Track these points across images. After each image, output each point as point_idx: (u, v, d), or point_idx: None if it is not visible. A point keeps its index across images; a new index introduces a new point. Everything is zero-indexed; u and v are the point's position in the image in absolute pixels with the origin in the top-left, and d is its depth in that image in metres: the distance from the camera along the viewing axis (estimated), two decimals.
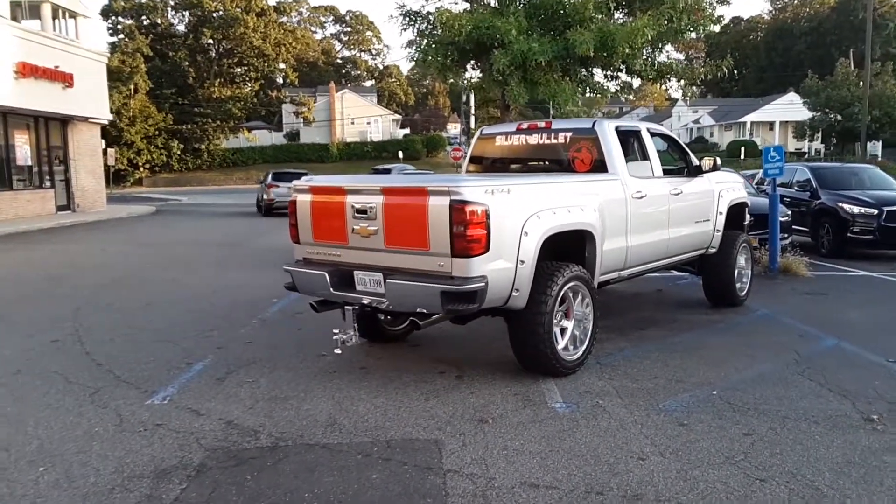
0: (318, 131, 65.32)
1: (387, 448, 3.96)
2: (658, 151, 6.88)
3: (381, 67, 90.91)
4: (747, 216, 8.23)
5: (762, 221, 10.06)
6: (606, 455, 3.85)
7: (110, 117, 27.12)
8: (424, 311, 4.74)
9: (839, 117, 42.85)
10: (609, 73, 10.33)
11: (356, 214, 5.05)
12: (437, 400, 4.76)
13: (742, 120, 65.31)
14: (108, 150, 42.47)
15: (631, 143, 6.72)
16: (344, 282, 5.21)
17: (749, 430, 4.18)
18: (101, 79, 25.64)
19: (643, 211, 6.24)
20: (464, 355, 5.95)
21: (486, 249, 4.62)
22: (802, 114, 47.92)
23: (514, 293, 4.87)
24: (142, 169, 53.53)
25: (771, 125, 64.22)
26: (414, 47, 10.19)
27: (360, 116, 66.71)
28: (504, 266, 4.76)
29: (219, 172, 57.43)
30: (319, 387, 5.08)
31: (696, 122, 74.04)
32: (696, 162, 7.25)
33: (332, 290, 5.19)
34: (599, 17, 9.35)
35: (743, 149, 52.35)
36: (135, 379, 5.33)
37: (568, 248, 5.57)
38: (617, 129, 6.29)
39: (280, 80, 70.35)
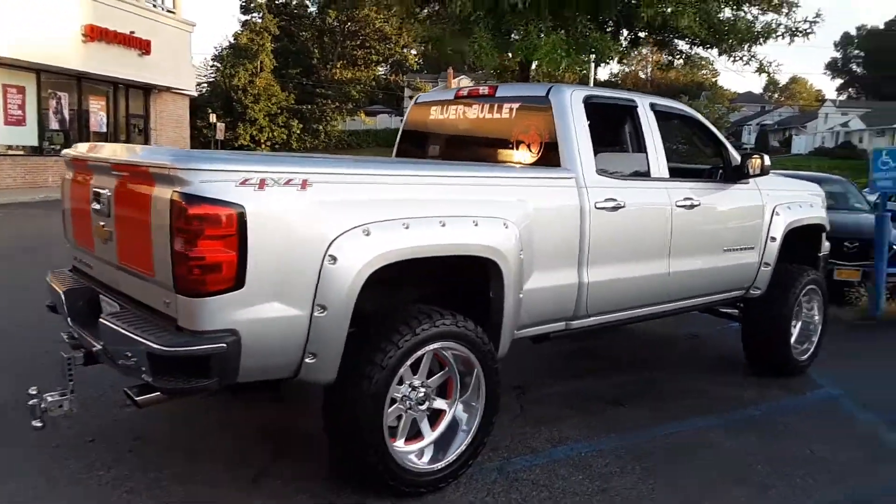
0: None
1: None
2: (669, 141, 4.58)
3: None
4: (825, 243, 5.66)
5: (868, 248, 7.41)
6: None
7: (194, 89, 26.77)
8: (148, 379, 2.80)
9: None
10: (649, 35, 7.75)
11: (94, 204, 3.20)
12: None
13: None
14: (218, 124, 43.43)
15: (619, 124, 4.46)
16: (88, 310, 3.38)
17: None
18: (184, 49, 25.24)
19: (618, 230, 3.99)
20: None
21: (237, 283, 2.63)
22: None
23: (306, 359, 2.86)
24: (263, 146, 54.63)
25: None
26: None
27: None
28: (281, 313, 2.74)
29: (334, 153, 57.78)
30: (15, 475, 3.29)
31: (845, 125, 66.43)
32: (736, 160, 4.84)
33: (68, 319, 3.38)
34: None
35: None
36: None
37: (460, 284, 3.50)
38: (588, 101, 4.04)
39: (406, 64, 69.69)
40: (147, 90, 23.93)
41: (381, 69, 63.96)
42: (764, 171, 4.69)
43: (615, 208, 3.94)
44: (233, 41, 54.78)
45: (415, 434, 3.29)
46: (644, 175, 4.28)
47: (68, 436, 3.68)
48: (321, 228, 2.81)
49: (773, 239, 5.01)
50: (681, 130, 5.30)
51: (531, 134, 4.08)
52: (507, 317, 3.48)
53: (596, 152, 3.97)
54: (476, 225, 3.27)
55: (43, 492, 3.12)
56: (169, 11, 25.99)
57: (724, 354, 5.84)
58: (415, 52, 66.44)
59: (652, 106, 4.46)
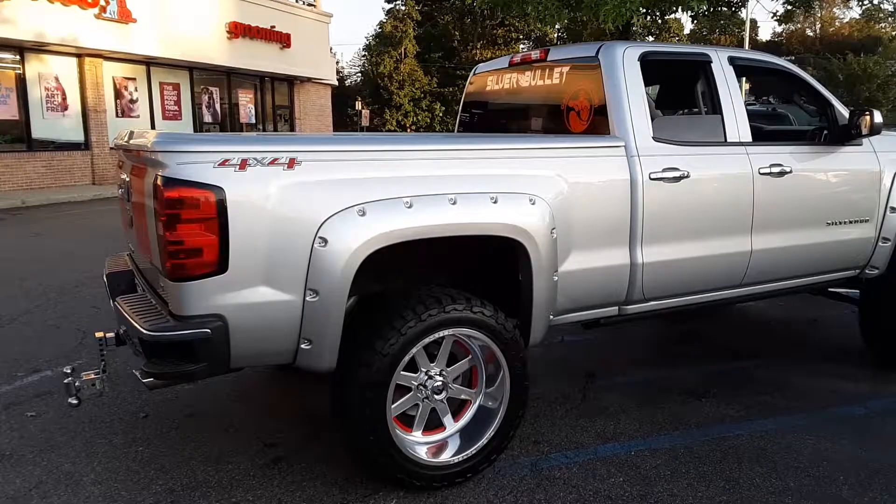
0: None
1: None
2: (757, 101, 3.98)
3: (660, 22, 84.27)
4: None
5: None
6: None
7: (334, 78, 27.79)
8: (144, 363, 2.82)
9: None
10: None
11: (120, 190, 3.30)
12: None
13: None
14: (363, 111, 45.12)
15: (689, 83, 3.94)
16: (126, 293, 3.49)
17: None
18: (323, 40, 26.18)
19: (680, 203, 3.53)
20: None
21: (220, 268, 2.56)
22: None
23: (302, 345, 2.75)
24: (408, 130, 55.99)
25: None
26: None
27: None
28: (270, 298, 2.65)
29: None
30: (61, 446, 3.47)
31: None
32: (844, 118, 4.15)
33: (110, 301, 3.51)
34: None
35: None
36: None
37: (488, 266, 3.27)
38: (646, 59, 3.60)
39: (547, 40, 68.25)
40: (290, 81, 25.17)
41: (521, 46, 63.08)
42: (873, 130, 3.98)
43: (676, 179, 3.49)
44: (378, 30, 56.48)
45: (437, 425, 3.12)
46: (717, 140, 3.76)
47: (124, 411, 3.86)
48: (310, 209, 2.67)
49: (894, 210, 4.27)
50: (778, 86, 4.65)
51: (580, 99, 3.70)
52: (539, 301, 3.18)
53: (654, 116, 3.55)
54: (495, 202, 3.00)
55: (79, 465, 3.27)
56: (309, 4, 27.14)
57: (842, 343, 5.10)
58: (558, 27, 64.81)
59: (731, 60, 3.90)
